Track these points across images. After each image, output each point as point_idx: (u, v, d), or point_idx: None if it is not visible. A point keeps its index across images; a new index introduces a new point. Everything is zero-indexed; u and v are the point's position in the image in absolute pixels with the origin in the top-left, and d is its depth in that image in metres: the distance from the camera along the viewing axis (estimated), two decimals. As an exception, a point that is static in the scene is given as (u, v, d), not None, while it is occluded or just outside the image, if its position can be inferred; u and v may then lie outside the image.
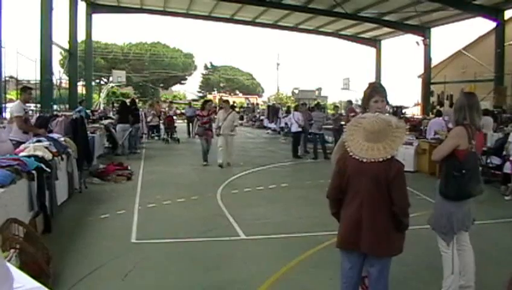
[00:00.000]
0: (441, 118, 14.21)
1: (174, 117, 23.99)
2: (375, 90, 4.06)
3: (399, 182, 3.26)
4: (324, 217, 3.68)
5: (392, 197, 3.25)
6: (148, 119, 21.34)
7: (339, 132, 15.77)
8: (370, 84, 4.13)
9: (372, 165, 3.23)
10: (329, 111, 27.07)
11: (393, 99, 26.96)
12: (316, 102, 24.03)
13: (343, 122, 14.20)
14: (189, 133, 23.20)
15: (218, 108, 24.51)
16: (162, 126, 22.51)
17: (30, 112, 13.30)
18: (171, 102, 31.44)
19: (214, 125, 13.66)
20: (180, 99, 50.43)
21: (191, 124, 23.19)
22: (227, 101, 15.28)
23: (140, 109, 21.51)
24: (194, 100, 40.29)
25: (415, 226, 4.37)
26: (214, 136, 13.51)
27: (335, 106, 25.14)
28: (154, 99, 37.07)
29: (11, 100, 18.62)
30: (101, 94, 39.32)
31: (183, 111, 25.82)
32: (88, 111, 18.53)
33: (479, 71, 23.50)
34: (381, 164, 3.22)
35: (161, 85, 65.55)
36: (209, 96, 66.85)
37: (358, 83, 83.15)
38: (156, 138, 21.83)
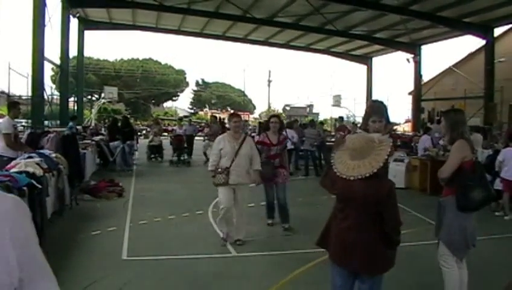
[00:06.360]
0: (429, 135, 14.11)
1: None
2: (373, 110, 4.12)
3: (391, 201, 3.27)
4: (315, 235, 3.67)
5: (384, 217, 3.24)
6: (150, 138, 19.90)
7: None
8: (370, 102, 4.20)
9: (361, 183, 3.21)
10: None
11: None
12: (309, 119, 24.01)
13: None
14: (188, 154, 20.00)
15: (207, 126, 21.66)
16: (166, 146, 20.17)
17: (21, 128, 13.24)
18: (180, 119, 28.72)
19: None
20: (172, 116, 50.11)
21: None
22: (236, 115, 7.63)
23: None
24: (185, 117, 40.01)
25: (406, 243, 4.39)
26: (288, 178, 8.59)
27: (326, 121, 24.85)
28: (155, 116, 36.20)
29: (2, 116, 18.53)
30: (93, 110, 39.22)
31: (174, 128, 24.98)
32: (79, 127, 18.39)
33: (469, 88, 23.67)
34: (370, 182, 3.20)
35: (152, 101, 65.68)
36: (201, 113, 66.91)
37: (350, 99, 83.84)
38: (159, 159, 19.23)
